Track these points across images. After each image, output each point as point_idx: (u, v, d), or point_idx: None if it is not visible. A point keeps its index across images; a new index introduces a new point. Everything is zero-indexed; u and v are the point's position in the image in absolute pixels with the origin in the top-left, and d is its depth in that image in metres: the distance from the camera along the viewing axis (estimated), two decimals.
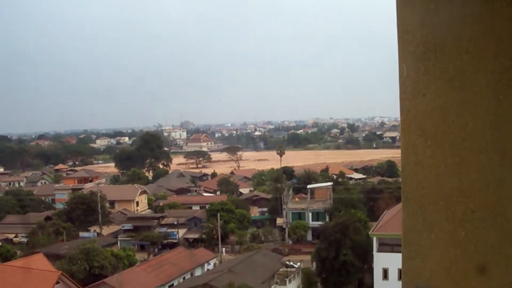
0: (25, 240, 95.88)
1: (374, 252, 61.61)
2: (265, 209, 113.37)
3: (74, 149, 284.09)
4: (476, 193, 2.12)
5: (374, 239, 61.36)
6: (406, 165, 2.40)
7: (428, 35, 2.21)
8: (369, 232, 63.77)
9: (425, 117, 2.27)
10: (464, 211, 2.16)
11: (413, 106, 2.32)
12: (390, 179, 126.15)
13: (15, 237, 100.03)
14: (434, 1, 2.16)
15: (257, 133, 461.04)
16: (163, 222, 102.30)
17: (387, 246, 60.57)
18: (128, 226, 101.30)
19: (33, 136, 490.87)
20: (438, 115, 2.21)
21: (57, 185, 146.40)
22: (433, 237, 2.29)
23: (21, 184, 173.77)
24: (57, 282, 51.71)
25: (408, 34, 2.30)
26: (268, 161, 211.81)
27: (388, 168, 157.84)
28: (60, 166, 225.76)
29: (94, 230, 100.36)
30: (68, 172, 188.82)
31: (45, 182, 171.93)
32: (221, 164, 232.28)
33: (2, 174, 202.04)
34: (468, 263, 2.18)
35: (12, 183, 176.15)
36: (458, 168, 2.16)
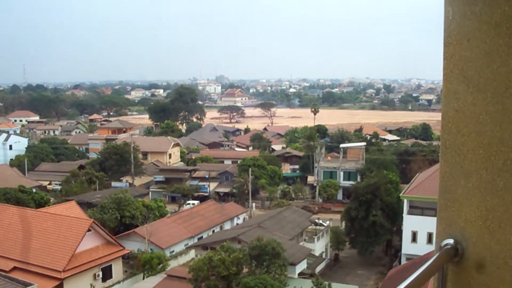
0: (58, 187, 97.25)
1: (404, 214, 61.27)
2: (296, 166, 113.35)
3: (109, 99, 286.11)
4: None
5: (405, 201, 60.94)
6: (447, 111, 2.38)
7: None
8: (400, 194, 63.32)
9: (469, 63, 2.24)
10: (504, 161, 2.16)
11: (456, 51, 2.30)
12: (424, 142, 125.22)
13: (49, 184, 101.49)
14: None
15: (291, 90, 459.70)
16: (194, 175, 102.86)
17: (418, 209, 60.19)
18: (160, 177, 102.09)
19: (69, 86, 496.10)
20: (482, 61, 2.18)
21: (91, 134, 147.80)
22: (471, 186, 2.29)
23: (56, 132, 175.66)
24: (89, 230, 52.36)
25: None
26: (301, 118, 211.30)
27: (423, 131, 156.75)
28: (95, 116, 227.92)
29: (126, 180, 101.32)
30: (103, 122, 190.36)
31: (79, 132, 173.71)
32: (255, 120, 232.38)
33: (38, 122, 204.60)
34: (505, 213, 2.17)
35: (47, 132, 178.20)
36: (500, 117, 2.14)
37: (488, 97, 2.17)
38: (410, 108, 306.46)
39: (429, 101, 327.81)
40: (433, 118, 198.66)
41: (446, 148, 2.40)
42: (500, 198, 2.17)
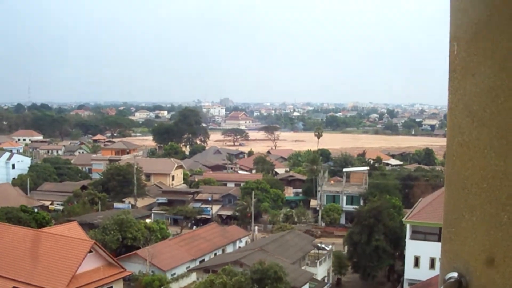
0: (60, 207, 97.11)
1: (407, 239, 60.99)
2: (299, 190, 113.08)
3: (113, 120, 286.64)
4: None
5: (408, 226, 60.71)
6: (451, 145, 2.38)
7: (481, 14, 2.19)
8: (403, 219, 63.13)
9: (473, 98, 2.24)
10: (508, 195, 2.14)
11: (461, 85, 2.30)
12: (427, 167, 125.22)
13: (51, 204, 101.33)
14: None
15: (295, 113, 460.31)
16: (197, 197, 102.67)
17: (420, 234, 59.95)
18: (162, 199, 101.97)
19: (73, 106, 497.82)
20: (487, 96, 2.19)
21: (95, 155, 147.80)
22: (475, 220, 2.27)
23: (59, 152, 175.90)
24: (90, 251, 52.11)
25: (460, 12, 2.29)
26: (305, 142, 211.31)
27: (426, 155, 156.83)
28: (99, 136, 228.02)
29: (129, 202, 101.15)
30: (106, 143, 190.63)
31: (82, 152, 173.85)
32: (258, 143, 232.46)
33: (41, 141, 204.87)
34: (509, 247, 2.16)
35: (50, 151, 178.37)
36: (504, 151, 2.13)
37: (493, 132, 2.16)
38: (413, 133, 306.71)
39: (432, 126, 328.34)
40: (436, 143, 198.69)
41: (451, 182, 2.37)
42: (504, 232, 2.16)
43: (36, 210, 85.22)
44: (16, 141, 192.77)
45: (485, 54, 2.17)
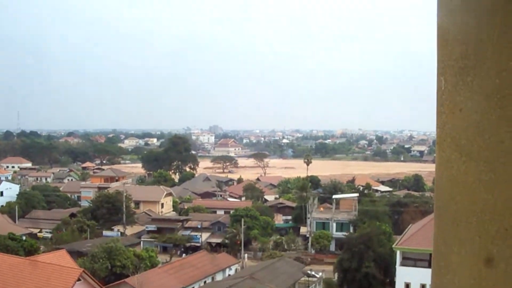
0: (49, 235, 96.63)
1: (397, 266, 60.93)
2: (289, 217, 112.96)
3: (102, 147, 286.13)
4: (510, 211, 2.10)
5: (398, 252, 60.69)
6: (440, 179, 2.36)
7: (468, 50, 2.19)
8: (393, 246, 63.11)
9: (461, 132, 2.23)
10: (497, 229, 2.12)
11: (449, 120, 2.30)
12: (416, 193, 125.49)
13: (39, 231, 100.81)
14: (475, 16, 2.15)
15: (285, 140, 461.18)
16: (187, 225, 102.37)
17: (411, 260, 59.91)
18: (152, 227, 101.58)
19: (63, 133, 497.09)
20: (474, 131, 2.18)
21: (84, 182, 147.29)
22: (464, 253, 2.25)
23: (48, 180, 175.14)
24: (78, 279, 51.74)
25: (447, 48, 2.29)
26: (294, 169, 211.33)
27: (415, 182, 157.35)
28: (88, 164, 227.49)
29: (118, 230, 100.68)
30: (95, 170, 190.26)
31: (71, 179, 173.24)
32: (248, 170, 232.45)
33: (30, 169, 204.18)
34: (498, 281, 2.14)
35: (39, 178, 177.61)
36: (493, 185, 2.12)
37: (481, 166, 2.15)
38: (402, 159, 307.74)
39: (421, 152, 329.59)
40: (425, 169, 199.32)
41: (440, 216, 2.37)
42: (494, 267, 2.14)
43: (24, 237, 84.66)
44: (5, 168, 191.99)
45: (472, 89, 2.17)
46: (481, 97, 2.15)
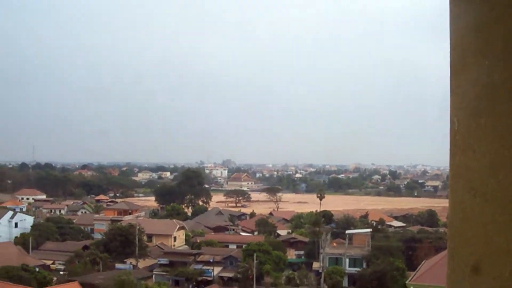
0: (62, 267, 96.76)
1: None
2: (302, 252, 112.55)
3: (116, 180, 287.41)
4: None
5: None
6: (453, 221, 2.34)
7: (480, 92, 2.18)
8: (407, 282, 62.76)
9: (475, 174, 2.21)
10: (511, 272, 2.09)
11: (462, 161, 2.28)
12: (430, 229, 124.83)
13: (52, 263, 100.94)
14: (488, 59, 2.13)
15: (298, 175, 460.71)
16: (199, 258, 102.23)
17: None
18: (164, 260, 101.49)
19: (77, 166, 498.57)
20: (488, 172, 2.15)
21: (97, 215, 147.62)
22: None
23: (62, 212, 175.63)
24: None
25: (460, 89, 2.28)
26: (307, 204, 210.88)
27: (429, 217, 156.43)
28: (101, 196, 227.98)
29: (130, 262, 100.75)
30: (109, 203, 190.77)
31: (85, 212, 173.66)
32: (260, 204, 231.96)
33: (45, 201, 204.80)
34: None
35: (53, 211, 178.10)
36: (507, 227, 2.09)
37: (495, 207, 2.14)
38: (416, 194, 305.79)
39: (435, 187, 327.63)
40: (439, 204, 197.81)
41: (453, 258, 2.39)
42: None
43: (37, 269, 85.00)
44: (19, 200, 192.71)
45: (485, 130, 2.19)
46: (495, 138, 2.15)
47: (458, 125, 2.31)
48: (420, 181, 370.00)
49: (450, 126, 2.36)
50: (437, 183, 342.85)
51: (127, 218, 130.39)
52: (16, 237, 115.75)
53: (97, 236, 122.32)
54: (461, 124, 2.29)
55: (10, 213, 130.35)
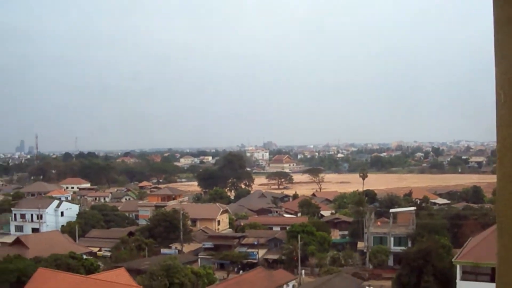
0: (108, 254, 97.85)
1: (457, 280, 59.69)
2: (346, 232, 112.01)
3: (158, 167, 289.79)
4: None
5: (458, 266, 59.48)
6: (502, 194, 2.30)
7: None
8: (453, 259, 61.92)
9: None
10: None
11: (509, 134, 2.25)
12: (475, 205, 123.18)
13: (99, 250, 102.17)
14: None
15: (339, 155, 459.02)
16: (243, 241, 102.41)
17: (471, 274, 58.63)
18: (208, 244, 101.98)
19: (119, 153, 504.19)
20: None
21: (141, 201, 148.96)
22: None
23: (107, 199, 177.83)
24: None
25: (506, 60, 2.24)
26: (350, 183, 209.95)
27: (474, 193, 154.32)
28: (144, 183, 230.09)
29: (175, 247, 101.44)
30: (152, 189, 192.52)
31: (129, 199, 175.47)
32: (303, 186, 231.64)
33: (89, 189, 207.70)
34: None
35: (98, 198, 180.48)
36: None
37: None
38: (460, 170, 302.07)
39: (479, 163, 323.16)
40: (484, 180, 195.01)
41: (503, 232, 2.31)
42: None
43: (84, 256, 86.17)
44: (64, 189, 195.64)
45: None
46: None
47: (504, 97, 2.28)
48: (463, 157, 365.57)
49: (496, 99, 2.33)
50: (481, 158, 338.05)
51: (171, 204, 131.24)
52: (62, 225, 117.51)
53: (142, 222, 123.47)
54: (508, 96, 2.26)
55: (56, 202, 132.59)
